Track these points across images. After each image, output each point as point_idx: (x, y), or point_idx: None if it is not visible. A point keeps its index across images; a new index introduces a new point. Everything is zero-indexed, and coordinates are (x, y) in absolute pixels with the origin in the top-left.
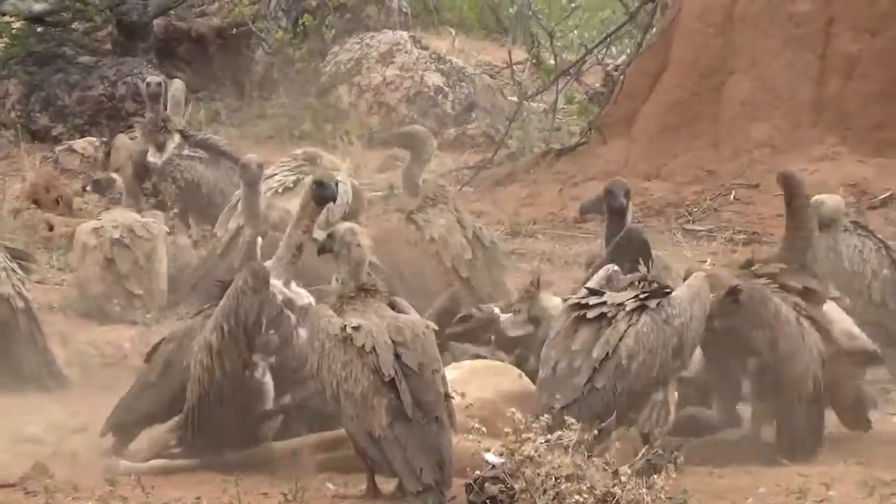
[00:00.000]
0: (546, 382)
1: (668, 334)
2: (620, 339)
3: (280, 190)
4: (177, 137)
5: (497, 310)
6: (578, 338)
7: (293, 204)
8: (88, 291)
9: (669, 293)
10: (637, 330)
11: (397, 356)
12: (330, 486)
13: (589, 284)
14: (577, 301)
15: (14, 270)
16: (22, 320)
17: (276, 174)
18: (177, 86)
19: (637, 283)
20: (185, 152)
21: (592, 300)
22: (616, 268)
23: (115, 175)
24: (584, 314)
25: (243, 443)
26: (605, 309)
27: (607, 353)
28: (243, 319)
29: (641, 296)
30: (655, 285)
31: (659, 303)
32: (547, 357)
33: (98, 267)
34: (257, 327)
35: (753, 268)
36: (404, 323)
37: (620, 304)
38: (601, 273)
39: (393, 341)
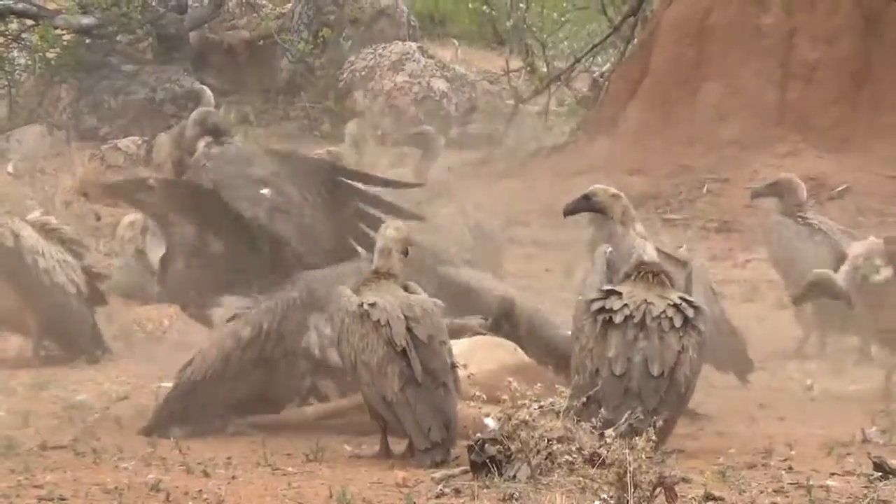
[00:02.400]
0: (585, 389)
1: (703, 354)
2: (676, 364)
3: None
4: (208, 138)
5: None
6: (611, 343)
7: None
8: (128, 278)
9: (696, 305)
10: (690, 357)
11: (409, 329)
12: (347, 447)
13: (593, 276)
14: (600, 305)
15: (66, 261)
16: (74, 303)
17: None
18: (207, 93)
19: (641, 273)
20: (213, 151)
21: (614, 302)
22: (611, 248)
23: None
24: (611, 318)
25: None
26: (628, 312)
27: (669, 382)
28: (284, 327)
29: (676, 301)
30: (661, 276)
31: (696, 313)
32: (582, 364)
33: (132, 257)
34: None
35: None
36: (415, 301)
37: (657, 312)
38: (600, 260)
39: (405, 316)
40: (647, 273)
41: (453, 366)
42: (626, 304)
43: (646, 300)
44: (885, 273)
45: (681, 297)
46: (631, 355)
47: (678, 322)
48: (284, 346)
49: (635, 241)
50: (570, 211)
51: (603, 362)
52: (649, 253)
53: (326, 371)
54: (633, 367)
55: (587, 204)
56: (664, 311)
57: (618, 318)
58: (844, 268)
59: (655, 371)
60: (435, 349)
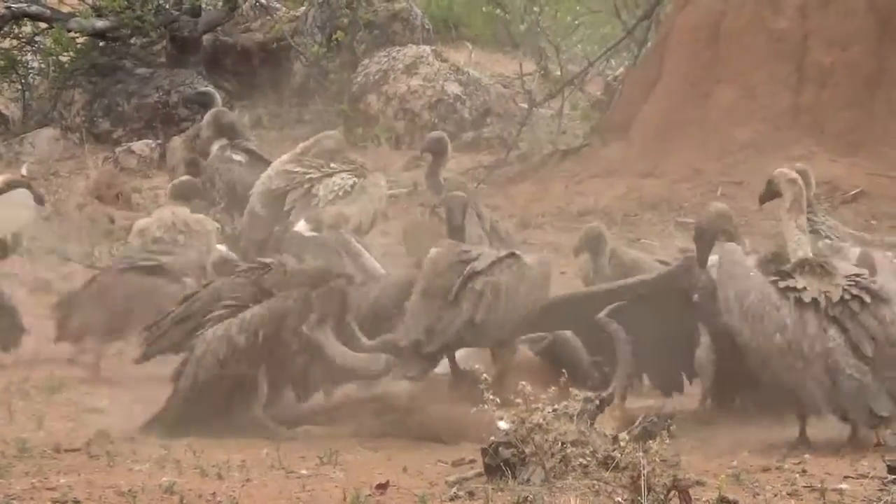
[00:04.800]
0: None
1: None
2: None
3: (341, 193)
4: (222, 140)
5: None
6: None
7: (351, 209)
8: None
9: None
10: None
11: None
12: (359, 448)
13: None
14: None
15: None
16: None
17: (333, 178)
18: (215, 96)
19: (805, 267)
20: (227, 154)
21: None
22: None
23: None
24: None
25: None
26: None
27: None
28: (282, 336)
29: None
30: (825, 266)
31: (871, 295)
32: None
33: None
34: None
35: None
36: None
37: (836, 298)
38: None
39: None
40: (812, 266)
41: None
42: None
43: (821, 290)
44: None
45: (850, 281)
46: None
47: (868, 298)
48: (280, 351)
49: (793, 234)
50: (763, 199)
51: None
52: (804, 248)
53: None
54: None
55: (770, 190)
56: (847, 295)
57: (807, 298)
58: None
59: (869, 350)
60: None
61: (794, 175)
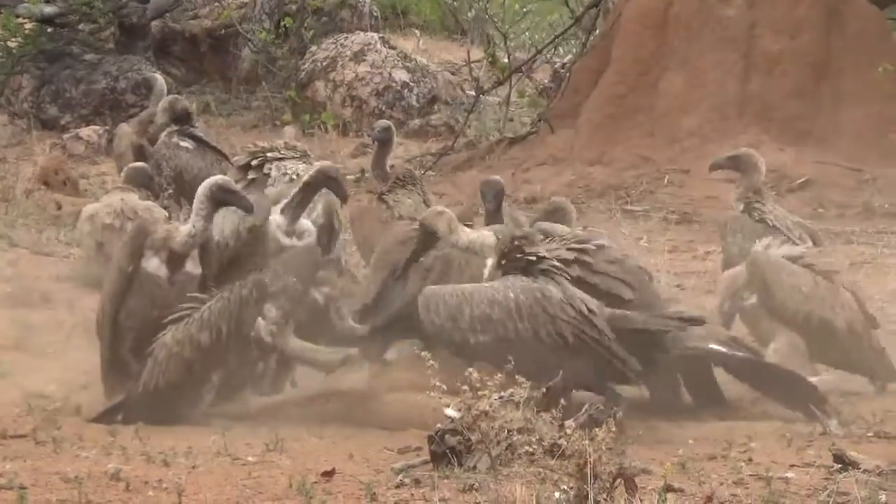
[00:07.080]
0: None
1: None
2: None
3: (294, 178)
4: (172, 127)
5: None
6: None
7: None
8: (88, 269)
9: None
10: None
11: None
12: (306, 435)
13: None
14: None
15: None
16: None
17: (284, 162)
18: (160, 81)
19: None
20: (174, 140)
21: None
22: None
23: None
24: None
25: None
26: None
27: None
28: (244, 329)
29: None
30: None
31: None
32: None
33: (92, 250)
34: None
35: None
36: None
37: None
38: None
39: None
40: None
41: None
42: None
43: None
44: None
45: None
46: None
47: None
48: (242, 344)
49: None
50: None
51: None
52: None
53: (279, 355)
54: None
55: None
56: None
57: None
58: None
59: (629, 293)
60: None
61: (442, 208)
